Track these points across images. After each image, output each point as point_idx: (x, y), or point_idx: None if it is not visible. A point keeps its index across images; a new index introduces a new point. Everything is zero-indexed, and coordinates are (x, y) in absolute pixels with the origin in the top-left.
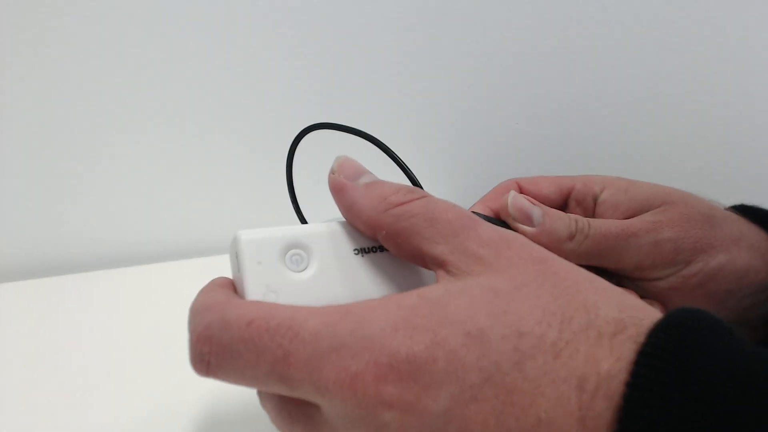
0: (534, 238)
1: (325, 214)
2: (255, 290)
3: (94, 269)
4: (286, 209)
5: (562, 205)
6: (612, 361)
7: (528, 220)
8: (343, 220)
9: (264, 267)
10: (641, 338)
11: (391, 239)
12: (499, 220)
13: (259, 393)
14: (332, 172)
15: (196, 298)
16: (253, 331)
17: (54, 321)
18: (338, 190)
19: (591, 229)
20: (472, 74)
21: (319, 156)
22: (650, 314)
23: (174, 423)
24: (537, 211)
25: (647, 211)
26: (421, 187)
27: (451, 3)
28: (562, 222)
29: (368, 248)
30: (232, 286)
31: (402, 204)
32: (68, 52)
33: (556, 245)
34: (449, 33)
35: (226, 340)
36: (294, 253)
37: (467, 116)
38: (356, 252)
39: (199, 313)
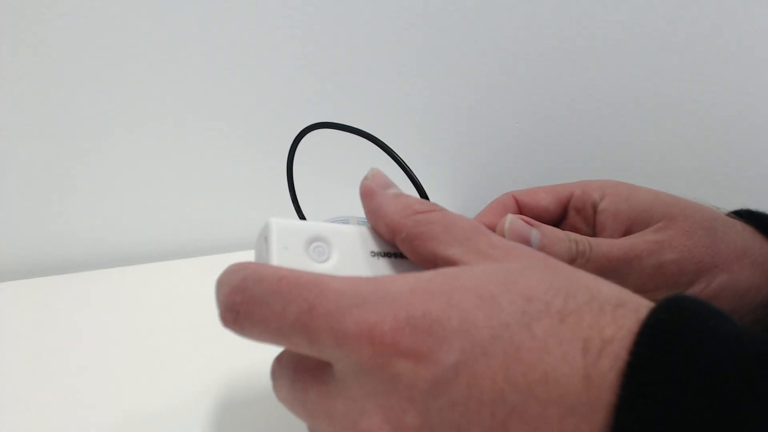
0: None
1: (324, 213)
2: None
3: (93, 269)
4: (286, 209)
5: (562, 214)
6: (615, 328)
7: (526, 243)
8: (366, 225)
9: (290, 252)
10: (642, 311)
11: (409, 242)
12: None
13: (275, 369)
14: (365, 178)
15: (229, 266)
16: (283, 285)
17: (53, 320)
18: (368, 194)
19: (593, 252)
20: (473, 74)
21: (320, 155)
22: (648, 301)
23: (174, 422)
24: (535, 233)
25: (648, 224)
26: (421, 186)
27: (452, 3)
28: (562, 245)
29: (384, 253)
30: None
31: (423, 212)
32: (68, 52)
33: None
34: (449, 33)
35: (258, 291)
36: (317, 245)
37: (467, 115)
38: (373, 254)
39: (234, 271)
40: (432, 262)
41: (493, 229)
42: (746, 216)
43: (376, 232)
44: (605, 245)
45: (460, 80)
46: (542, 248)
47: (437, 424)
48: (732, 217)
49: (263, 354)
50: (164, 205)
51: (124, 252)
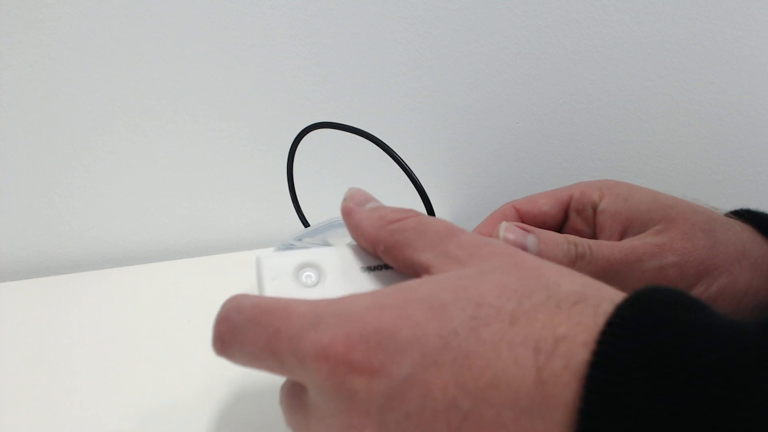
0: None
1: (324, 213)
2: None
3: (93, 269)
4: (287, 208)
5: (563, 217)
6: (570, 325)
7: (523, 249)
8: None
9: (279, 282)
10: (604, 306)
11: (388, 252)
12: None
13: (280, 396)
14: (344, 200)
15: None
16: (256, 313)
17: (54, 321)
18: (346, 214)
19: (593, 255)
20: (472, 74)
21: (320, 155)
22: (615, 291)
23: (174, 422)
24: (531, 238)
25: (646, 226)
26: (423, 189)
27: (452, 3)
28: (560, 248)
29: (374, 266)
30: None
31: (398, 221)
32: (68, 52)
33: None
34: (450, 33)
35: (238, 320)
36: (307, 272)
37: (467, 115)
38: (364, 270)
39: (225, 303)
40: (411, 268)
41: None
42: (745, 216)
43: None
44: (606, 248)
45: (460, 80)
46: (540, 253)
47: None
48: (731, 218)
49: None
50: (164, 205)
51: (124, 252)
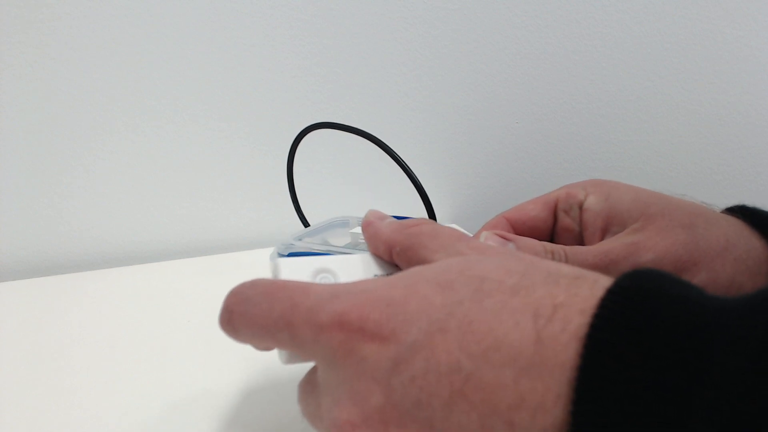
0: None
1: (324, 213)
2: None
3: (93, 269)
4: (287, 208)
5: (553, 219)
6: (568, 296)
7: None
8: (368, 250)
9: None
10: (601, 281)
11: (403, 254)
12: None
13: (298, 393)
14: (365, 217)
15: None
16: (272, 287)
17: (54, 321)
18: (367, 225)
19: (569, 261)
20: (472, 74)
21: (320, 155)
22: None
23: (174, 422)
24: (510, 245)
25: (626, 224)
26: (422, 189)
27: (452, 3)
28: (538, 255)
29: (388, 274)
30: None
31: (414, 226)
32: (68, 52)
33: None
34: (450, 33)
35: (251, 293)
36: (323, 276)
37: (467, 115)
38: (376, 276)
39: (235, 286)
40: None
41: None
42: (738, 211)
43: (376, 255)
44: (581, 253)
45: (460, 80)
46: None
47: (399, 400)
48: (722, 213)
49: (262, 353)
50: (164, 205)
51: (124, 252)
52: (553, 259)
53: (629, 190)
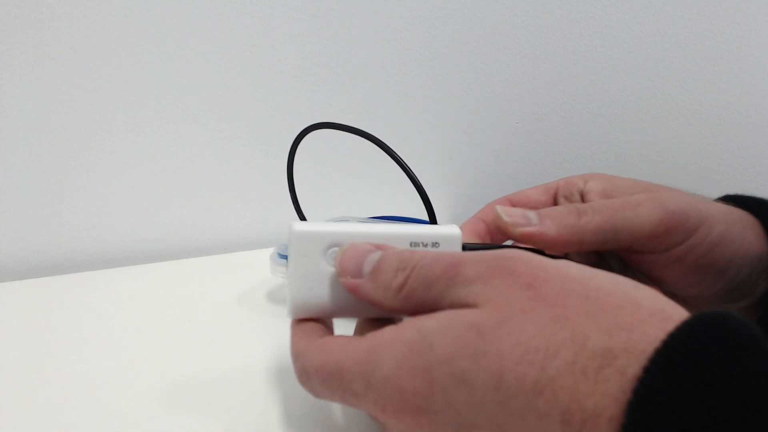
0: (542, 235)
1: (324, 213)
2: (296, 281)
3: (94, 269)
4: (286, 208)
5: (553, 203)
6: (597, 398)
7: (527, 219)
8: (388, 224)
9: (307, 259)
10: (631, 368)
11: (411, 314)
12: (492, 245)
13: None
14: (339, 275)
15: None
16: (323, 377)
17: (54, 321)
18: (353, 291)
19: (595, 207)
20: (473, 74)
21: (320, 155)
22: (647, 333)
23: (174, 421)
24: (531, 211)
25: None
26: (422, 188)
27: (452, 3)
28: (561, 210)
29: None
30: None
31: (402, 286)
32: (68, 52)
33: (567, 232)
34: (450, 33)
35: (311, 386)
36: (333, 250)
37: (467, 115)
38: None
39: (294, 362)
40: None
41: (489, 223)
42: (731, 199)
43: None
44: (605, 201)
45: (460, 80)
46: (544, 220)
47: None
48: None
49: (262, 353)
50: (164, 205)
51: (124, 252)
52: (578, 210)
53: (628, 179)
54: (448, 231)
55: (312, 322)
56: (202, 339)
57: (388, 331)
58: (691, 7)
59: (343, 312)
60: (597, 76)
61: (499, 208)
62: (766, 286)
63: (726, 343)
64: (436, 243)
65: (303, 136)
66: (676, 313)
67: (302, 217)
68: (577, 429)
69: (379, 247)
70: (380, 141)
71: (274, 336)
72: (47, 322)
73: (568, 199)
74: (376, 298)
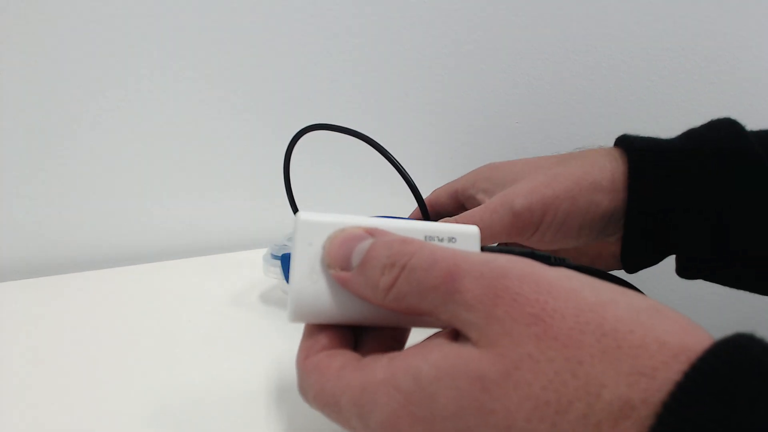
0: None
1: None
2: (300, 270)
3: (93, 269)
4: (286, 208)
5: (459, 205)
6: None
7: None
8: (398, 219)
9: (313, 249)
10: (649, 420)
11: (405, 315)
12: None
13: None
14: (328, 266)
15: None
16: (320, 404)
17: (54, 321)
18: (344, 286)
19: (458, 221)
20: (473, 74)
21: (317, 156)
22: (670, 379)
23: (174, 422)
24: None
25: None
26: (417, 189)
27: (452, 3)
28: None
29: None
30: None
31: (391, 287)
32: (68, 52)
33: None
34: (449, 33)
35: (310, 403)
36: None
37: (467, 115)
38: None
39: (299, 387)
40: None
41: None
42: (617, 141)
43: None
44: (468, 215)
45: (460, 80)
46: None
47: None
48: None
49: (262, 353)
50: (164, 205)
51: (124, 252)
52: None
53: (506, 166)
54: (466, 229)
55: (319, 328)
56: (201, 339)
57: (380, 370)
58: (691, 7)
59: (349, 313)
60: (597, 76)
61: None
62: (623, 227)
63: (748, 378)
64: (453, 239)
65: (298, 138)
66: (700, 350)
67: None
68: None
69: (370, 232)
70: (374, 141)
71: (268, 336)
72: (47, 322)
73: (468, 202)
74: (366, 296)
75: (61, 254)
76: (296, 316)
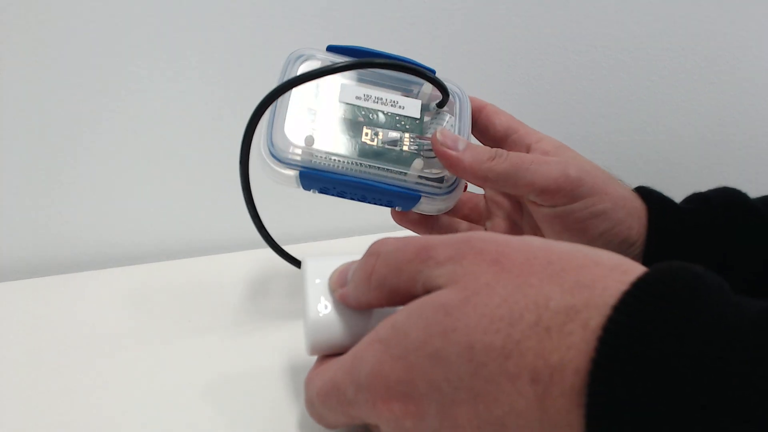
0: (458, 160)
1: (315, 213)
2: (312, 302)
3: (93, 269)
4: (286, 208)
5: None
6: (562, 352)
7: (454, 144)
8: None
9: (321, 281)
10: (594, 321)
11: (390, 307)
12: None
13: None
14: (332, 292)
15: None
16: (323, 399)
17: (54, 321)
18: (344, 302)
19: (510, 156)
20: (473, 73)
21: None
22: (608, 287)
23: (174, 421)
24: (462, 139)
25: None
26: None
27: (452, 3)
28: (482, 149)
29: None
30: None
31: (371, 273)
32: (68, 52)
33: (478, 165)
34: (449, 33)
35: (316, 410)
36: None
37: None
38: None
39: (305, 389)
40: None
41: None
42: (638, 189)
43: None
44: (521, 154)
45: (460, 80)
46: (466, 150)
47: None
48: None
49: (263, 352)
50: (164, 205)
51: (124, 252)
52: (496, 153)
53: (583, 160)
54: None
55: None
56: (201, 339)
57: (366, 336)
58: (691, 7)
59: (357, 336)
60: (597, 76)
61: (439, 129)
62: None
63: (692, 282)
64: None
65: (263, 110)
66: (635, 268)
67: (255, 216)
68: (545, 385)
69: None
70: (366, 60)
71: (268, 336)
72: (47, 322)
73: (514, 146)
74: (357, 298)
75: (61, 254)
76: (314, 349)
